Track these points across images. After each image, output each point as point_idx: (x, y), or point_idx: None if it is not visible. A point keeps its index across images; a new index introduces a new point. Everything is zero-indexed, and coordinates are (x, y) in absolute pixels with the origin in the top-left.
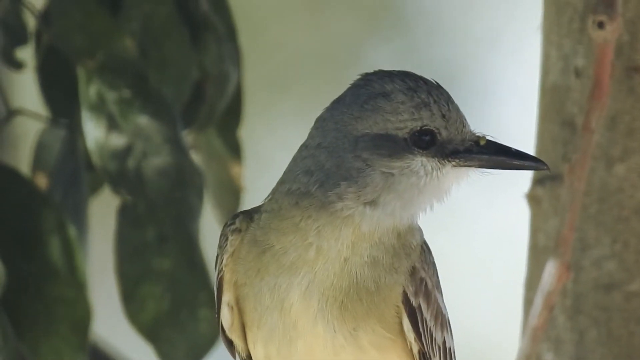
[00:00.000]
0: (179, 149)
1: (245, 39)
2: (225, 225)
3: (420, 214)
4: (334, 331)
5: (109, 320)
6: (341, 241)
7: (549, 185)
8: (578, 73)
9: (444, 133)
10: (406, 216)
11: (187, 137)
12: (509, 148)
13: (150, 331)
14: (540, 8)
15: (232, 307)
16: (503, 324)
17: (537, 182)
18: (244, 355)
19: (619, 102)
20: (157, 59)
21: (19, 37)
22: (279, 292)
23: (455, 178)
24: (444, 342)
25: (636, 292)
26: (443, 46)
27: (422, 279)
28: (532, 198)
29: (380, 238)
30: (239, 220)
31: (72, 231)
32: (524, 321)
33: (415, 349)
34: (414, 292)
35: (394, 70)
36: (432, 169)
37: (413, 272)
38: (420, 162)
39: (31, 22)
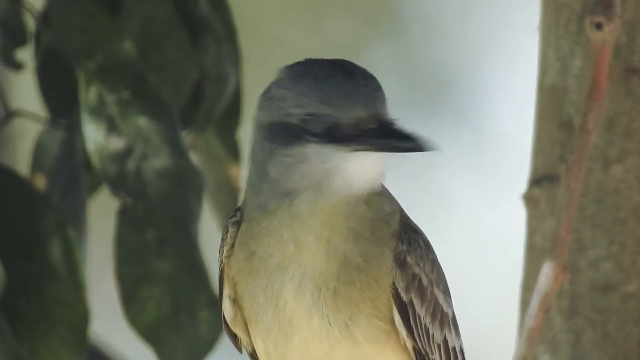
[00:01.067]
0: (178, 150)
1: (244, 40)
2: (229, 217)
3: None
4: (329, 324)
5: (108, 322)
6: (312, 225)
7: (546, 186)
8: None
9: (329, 119)
10: (338, 193)
11: (186, 138)
12: (400, 130)
13: (150, 333)
14: (537, 9)
15: (233, 300)
16: (499, 325)
17: (534, 182)
18: (249, 349)
19: (616, 103)
20: (156, 60)
21: (18, 37)
22: (272, 291)
23: (362, 162)
24: (445, 341)
25: (633, 294)
26: (441, 48)
27: (415, 275)
28: (529, 199)
29: (351, 208)
30: (240, 213)
31: (70, 232)
32: (520, 322)
33: (409, 345)
34: (404, 288)
35: (305, 59)
36: (327, 155)
37: (404, 266)
38: (313, 149)
39: (30, 23)
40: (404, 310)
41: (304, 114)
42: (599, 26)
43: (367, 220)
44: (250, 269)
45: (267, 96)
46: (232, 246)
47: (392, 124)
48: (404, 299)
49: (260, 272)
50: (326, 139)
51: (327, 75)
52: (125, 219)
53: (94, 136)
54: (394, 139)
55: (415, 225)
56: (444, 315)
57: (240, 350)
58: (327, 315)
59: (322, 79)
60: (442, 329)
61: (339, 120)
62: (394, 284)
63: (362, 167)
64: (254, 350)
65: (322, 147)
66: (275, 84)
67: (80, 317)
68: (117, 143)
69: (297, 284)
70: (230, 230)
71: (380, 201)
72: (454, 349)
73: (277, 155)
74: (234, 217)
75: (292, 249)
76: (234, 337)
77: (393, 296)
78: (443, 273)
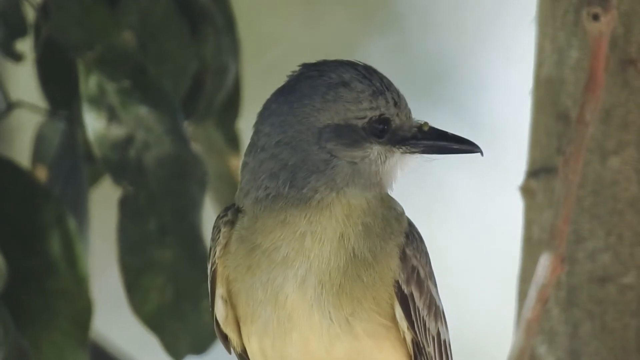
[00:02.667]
0: (179, 139)
1: (243, 32)
2: (218, 218)
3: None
4: (330, 320)
5: (110, 314)
6: (335, 218)
7: (543, 177)
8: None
9: (397, 121)
10: (375, 192)
11: (186, 129)
12: (447, 133)
13: (154, 322)
14: (534, 1)
15: (225, 301)
16: (497, 317)
17: (531, 174)
18: (239, 349)
19: (613, 95)
20: (155, 52)
21: (18, 29)
22: (273, 286)
23: (401, 164)
24: (439, 334)
25: (630, 285)
26: (437, 40)
27: (414, 267)
28: (526, 190)
29: (369, 204)
30: (231, 212)
31: (72, 224)
32: (518, 314)
33: (409, 338)
34: (405, 280)
35: (338, 60)
36: (387, 156)
37: (404, 258)
38: (376, 151)
39: (30, 15)
40: (405, 302)
41: (378, 115)
42: (595, 17)
43: (379, 218)
44: (249, 265)
45: (328, 97)
46: (225, 246)
47: (437, 128)
48: (405, 291)
49: (261, 266)
50: (387, 140)
51: (386, 79)
52: (127, 208)
53: (95, 125)
54: (453, 142)
55: (409, 218)
56: (436, 308)
57: (229, 352)
58: (329, 311)
59: (386, 83)
60: (436, 322)
61: (403, 123)
62: (395, 278)
63: (404, 168)
64: (243, 351)
65: (385, 148)
66: (343, 85)
67: (83, 310)
68: (117, 132)
69: (300, 279)
70: (223, 230)
71: (392, 200)
72: (444, 341)
73: (343, 156)
74: (225, 216)
75: (304, 241)
76: (224, 338)
77: (395, 290)
78: (432, 266)
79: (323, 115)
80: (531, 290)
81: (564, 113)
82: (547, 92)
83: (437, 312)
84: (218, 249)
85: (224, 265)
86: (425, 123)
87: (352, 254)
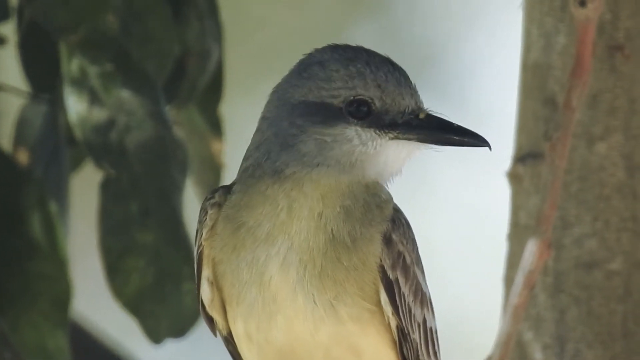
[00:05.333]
0: (161, 123)
1: (226, 16)
2: (205, 200)
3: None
4: (314, 302)
5: (91, 296)
6: (310, 196)
7: (530, 163)
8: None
9: (378, 103)
10: (360, 175)
11: (169, 113)
12: (451, 123)
13: (134, 305)
14: None
15: (211, 283)
16: (484, 302)
17: (518, 160)
18: (224, 332)
19: (600, 80)
20: (138, 35)
21: (0, 12)
22: (257, 266)
23: (397, 151)
24: (424, 320)
25: (617, 271)
26: (424, 24)
27: (399, 253)
28: (513, 176)
29: (350, 188)
30: (218, 194)
31: (53, 207)
32: (504, 299)
33: (393, 324)
34: (391, 265)
35: (343, 44)
36: (367, 139)
37: (390, 243)
38: (354, 131)
39: None
40: (390, 288)
41: (354, 96)
42: (582, 3)
43: (360, 202)
44: (235, 244)
45: (304, 75)
46: (212, 228)
47: (442, 117)
48: (391, 277)
49: (246, 245)
50: (369, 123)
51: (378, 62)
52: (109, 191)
53: (77, 108)
54: (449, 132)
55: (397, 205)
56: (423, 294)
57: (215, 334)
58: (312, 294)
59: (374, 65)
60: (422, 308)
61: (388, 107)
62: (380, 264)
63: (397, 157)
64: (229, 334)
65: (365, 130)
66: (318, 64)
67: (63, 292)
68: (99, 114)
69: (282, 258)
70: (210, 212)
71: (379, 187)
72: (431, 329)
73: (311, 132)
74: (213, 198)
75: (284, 217)
76: (210, 321)
77: (380, 275)
78: (419, 252)
79: (297, 92)
80: (518, 276)
81: (551, 98)
82: (534, 77)
83: (423, 299)
84: (204, 230)
85: (210, 247)
86: (424, 111)
87: (331, 236)
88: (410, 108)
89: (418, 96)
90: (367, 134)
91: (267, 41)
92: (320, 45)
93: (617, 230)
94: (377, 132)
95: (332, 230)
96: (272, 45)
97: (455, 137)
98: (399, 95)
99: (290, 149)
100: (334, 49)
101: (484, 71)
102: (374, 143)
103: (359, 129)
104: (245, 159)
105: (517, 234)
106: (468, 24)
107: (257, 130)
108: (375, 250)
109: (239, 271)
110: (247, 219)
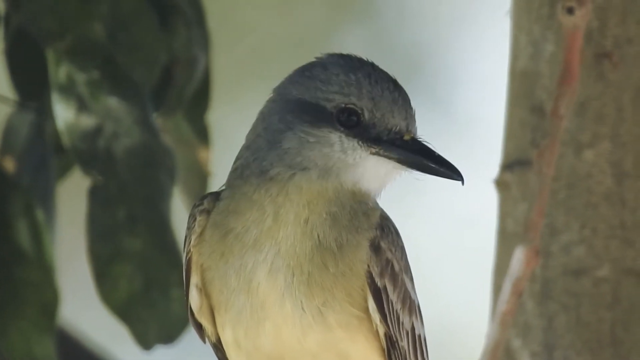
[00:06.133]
0: (149, 130)
1: (213, 23)
2: (194, 206)
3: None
4: (302, 309)
5: (80, 303)
6: (296, 202)
7: (517, 170)
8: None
9: (367, 115)
10: (337, 181)
11: (156, 121)
12: (432, 151)
13: (123, 311)
14: None
15: (200, 289)
16: (472, 310)
17: (505, 167)
18: (213, 339)
19: (588, 88)
20: (126, 43)
21: None
22: (245, 273)
23: (375, 167)
24: (413, 328)
25: (605, 278)
26: (412, 30)
27: (388, 260)
28: (501, 183)
29: (336, 195)
30: (207, 201)
31: (40, 215)
32: (492, 306)
33: (382, 331)
34: (379, 273)
35: (355, 55)
36: (348, 147)
37: (378, 251)
38: (338, 137)
39: (0, 5)
40: (378, 296)
41: (345, 103)
42: (570, 11)
43: (347, 209)
44: (223, 251)
45: (306, 74)
46: (200, 234)
47: (425, 144)
48: (379, 284)
49: (234, 252)
50: (355, 133)
51: (379, 77)
52: (97, 197)
53: (64, 115)
54: (428, 159)
55: (385, 213)
56: (411, 302)
57: (204, 341)
58: (301, 301)
59: (374, 79)
60: (410, 316)
61: (376, 121)
62: (368, 271)
63: (375, 173)
64: (218, 340)
65: (349, 139)
66: (322, 66)
67: (50, 299)
68: (87, 122)
69: (270, 264)
70: (199, 218)
71: (366, 196)
72: (419, 336)
73: (298, 130)
74: (201, 205)
75: (270, 222)
76: (198, 327)
77: (368, 282)
78: (408, 260)
79: (296, 89)
80: (506, 283)
81: (538, 106)
82: (522, 85)
83: (411, 307)
84: (193, 237)
85: (199, 253)
86: (409, 133)
87: (317, 242)
88: (398, 128)
89: (413, 121)
90: (350, 143)
91: (255, 48)
92: (308, 53)
93: (605, 237)
94: (360, 143)
95: (318, 236)
96: (259, 52)
97: (432, 165)
98: (389, 113)
99: (275, 145)
100: (343, 56)
101: (471, 77)
102: (354, 153)
103: (343, 136)
104: (237, 159)
105: (505, 241)
106: (456, 31)
107: (252, 126)
108: (362, 257)
109: (227, 278)
110: (234, 225)
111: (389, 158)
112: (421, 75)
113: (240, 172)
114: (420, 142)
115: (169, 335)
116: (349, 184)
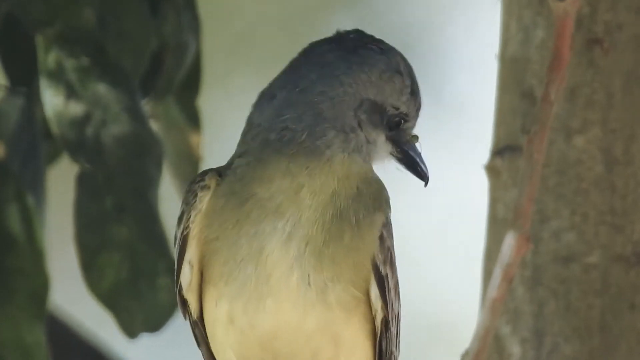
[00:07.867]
0: (137, 118)
1: (203, 7)
2: (193, 182)
3: None
4: (308, 284)
5: (68, 290)
6: (331, 177)
7: (508, 156)
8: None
9: (405, 125)
10: (369, 166)
11: (145, 106)
12: (419, 154)
13: (110, 299)
14: None
15: (192, 266)
16: (462, 296)
17: (496, 153)
18: (195, 316)
19: (578, 74)
20: (115, 29)
21: None
22: (260, 240)
23: (383, 160)
24: (399, 312)
25: (595, 264)
26: (403, 14)
27: (388, 248)
28: (491, 169)
29: (367, 176)
30: (208, 177)
31: (30, 201)
32: (483, 293)
33: (380, 317)
34: (382, 261)
35: (387, 44)
36: (387, 147)
37: (382, 239)
38: (384, 139)
39: None
40: (382, 283)
41: (405, 112)
42: None
43: (373, 190)
44: (238, 218)
45: (384, 77)
46: (202, 211)
47: (416, 148)
48: (382, 272)
49: (251, 218)
50: (391, 136)
51: (418, 86)
52: (85, 185)
53: (53, 101)
54: (420, 163)
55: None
56: (398, 287)
57: (185, 317)
58: (308, 274)
59: (418, 89)
60: (398, 301)
61: (408, 128)
62: (374, 256)
63: (381, 163)
64: (199, 318)
65: (386, 141)
66: (398, 72)
67: (40, 286)
68: (76, 109)
69: (287, 232)
70: (200, 194)
71: (382, 183)
72: (398, 315)
73: (364, 129)
74: (202, 181)
75: (299, 191)
76: (183, 304)
77: (373, 269)
78: None
79: (372, 90)
80: (496, 270)
81: (528, 92)
82: (512, 71)
83: (397, 291)
84: (194, 213)
85: (201, 227)
86: (415, 136)
87: (338, 211)
88: (411, 130)
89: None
90: (385, 143)
91: (245, 32)
92: (298, 36)
93: (595, 223)
94: (389, 143)
95: (340, 205)
96: (249, 36)
97: (418, 168)
98: (414, 119)
99: (342, 134)
100: (404, 60)
101: (462, 62)
102: (386, 148)
103: (384, 137)
104: (272, 127)
105: (495, 228)
106: (447, 15)
107: (307, 102)
108: (373, 236)
109: (237, 247)
110: (258, 191)
111: (396, 156)
112: (411, 60)
113: (277, 144)
114: (414, 146)
115: (155, 325)
116: (371, 171)
